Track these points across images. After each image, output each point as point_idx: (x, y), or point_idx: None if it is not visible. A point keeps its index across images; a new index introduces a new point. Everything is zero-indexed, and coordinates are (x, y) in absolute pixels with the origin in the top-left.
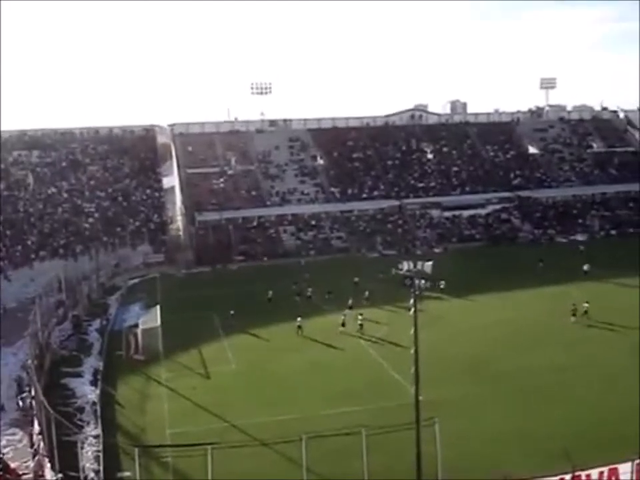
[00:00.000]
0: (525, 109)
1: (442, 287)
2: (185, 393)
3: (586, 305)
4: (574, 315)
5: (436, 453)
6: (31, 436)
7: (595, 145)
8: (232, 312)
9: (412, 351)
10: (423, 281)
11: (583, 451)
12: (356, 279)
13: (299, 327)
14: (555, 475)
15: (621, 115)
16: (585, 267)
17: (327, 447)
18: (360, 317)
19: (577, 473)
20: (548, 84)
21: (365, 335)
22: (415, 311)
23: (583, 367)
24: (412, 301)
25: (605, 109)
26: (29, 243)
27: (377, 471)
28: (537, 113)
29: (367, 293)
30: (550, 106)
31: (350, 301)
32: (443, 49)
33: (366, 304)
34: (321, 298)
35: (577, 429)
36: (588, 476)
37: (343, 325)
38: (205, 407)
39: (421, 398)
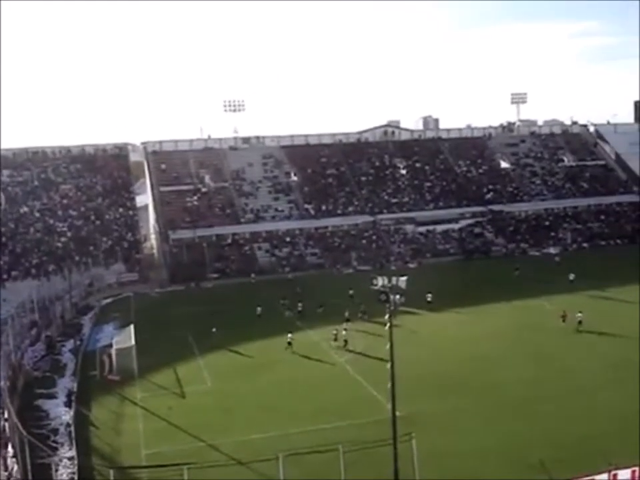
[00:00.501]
0: (496, 124)
1: (429, 300)
2: (161, 412)
3: (580, 314)
4: (563, 320)
5: (413, 469)
6: (4, 459)
7: (565, 159)
8: (214, 329)
9: (388, 366)
10: (398, 296)
11: (561, 464)
12: (351, 292)
13: (289, 342)
14: None
15: (591, 129)
16: (571, 277)
17: (305, 464)
18: (344, 332)
19: None
20: (519, 99)
21: (348, 349)
22: (390, 326)
23: (559, 380)
24: (387, 316)
25: (575, 123)
26: (1, 262)
27: None
28: (508, 127)
29: (362, 306)
30: (521, 121)
31: (346, 314)
32: (415, 66)
33: (363, 317)
34: (312, 312)
35: (554, 441)
36: None
37: (336, 339)
38: (180, 427)
39: (398, 413)
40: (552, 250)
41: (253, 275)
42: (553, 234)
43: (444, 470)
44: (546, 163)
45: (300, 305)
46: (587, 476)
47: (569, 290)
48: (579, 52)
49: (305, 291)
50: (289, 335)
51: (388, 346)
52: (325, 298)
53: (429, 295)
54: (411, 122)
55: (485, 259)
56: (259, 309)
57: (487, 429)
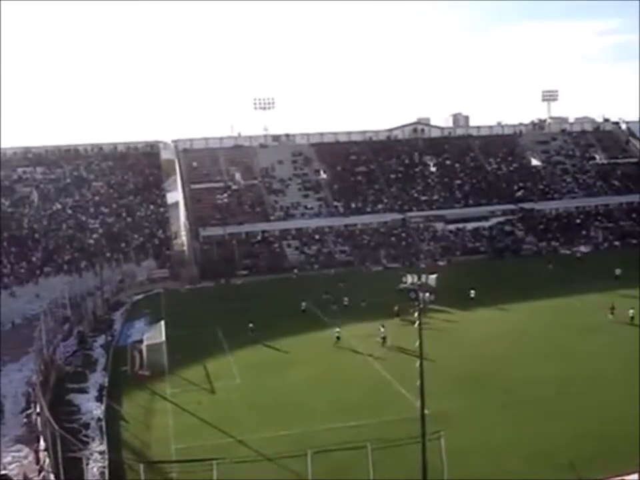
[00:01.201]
0: (527, 121)
1: (472, 296)
2: (190, 408)
3: (632, 310)
4: (612, 313)
5: (442, 467)
6: (36, 452)
7: (597, 157)
8: (251, 324)
9: (417, 365)
10: (427, 294)
11: (589, 463)
12: (402, 286)
13: (338, 337)
14: None
15: (623, 127)
16: (617, 272)
17: (333, 461)
18: (382, 329)
19: None
20: (550, 96)
21: (386, 346)
22: (419, 324)
23: (589, 379)
24: (416, 313)
25: (607, 120)
26: (34, 259)
27: None
28: (539, 125)
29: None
30: (552, 118)
31: (396, 308)
32: (445, 63)
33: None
34: (357, 307)
35: (583, 441)
36: None
37: (384, 339)
38: (210, 422)
39: (426, 411)
40: (582, 248)
41: (295, 271)
42: (584, 232)
43: (472, 468)
44: (577, 160)
45: (346, 299)
46: (617, 476)
47: (600, 289)
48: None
49: (343, 286)
50: (337, 330)
51: (416, 344)
52: (365, 294)
53: (472, 292)
54: (441, 119)
55: (515, 257)
56: (303, 303)
57: (516, 428)
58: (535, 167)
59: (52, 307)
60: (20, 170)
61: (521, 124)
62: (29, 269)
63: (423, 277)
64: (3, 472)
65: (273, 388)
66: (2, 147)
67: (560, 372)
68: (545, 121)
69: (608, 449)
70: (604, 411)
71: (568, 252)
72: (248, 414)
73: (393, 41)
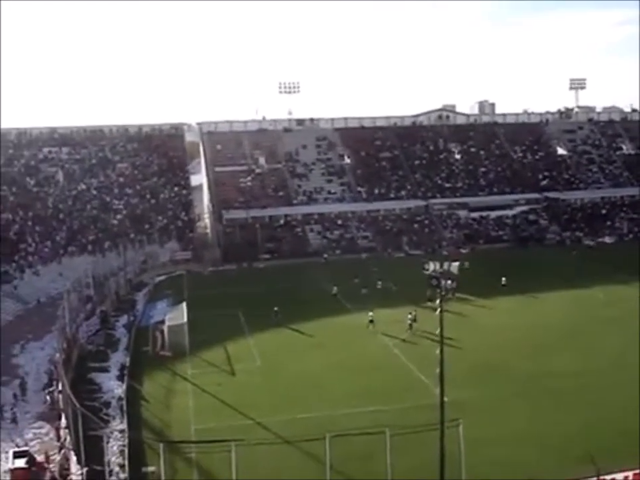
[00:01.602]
0: (554, 109)
1: (504, 283)
2: (210, 389)
3: None
4: None
5: (460, 454)
6: (57, 429)
7: (624, 147)
8: (276, 308)
9: (437, 352)
10: (449, 282)
11: (607, 456)
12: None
13: (371, 320)
14: (580, 479)
15: None
16: None
17: (351, 446)
18: (409, 315)
19: (601, 477)
20: (577, 85)
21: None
22: (440, 312)
23: (610, 371)
24: (438, 301)
25: (634, 110)
26: (58, 238)
27: (401, 470)
28: (566, 114)
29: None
30: (579, 107)
31: (428, 293)
32: (472, 50)
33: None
34: (388, 291)
35: (602, 433)
36: None
37: (415, 320)
38: (229, 404)
39: (445, 399)
40: (607, 239)
41: (325, 255)
42: (608, 223)
43: (490, 457)
44: (604, 150)
45: (379, 283)
46: (635, 469)
47: (624, 281)
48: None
49: (376, 271)
50: (370, 314)
51: (436, 331)
52: (395, 278)
53: (503, 279)
54: (467, 106)
55: (538, 246)
56: (335, 288)
57: (535, 418)
58: (560, 156)
59: (75, 286)
60: (46, 150)
61: (547, 112)
62: (53, 248)
63: (445, 265)
64: (24, 448)
65: (293, 371)
66: (29, 126)
67: (580, 363)
68: (572, 109)
69: (627, 441)
70: (623, 403)
71: (592, 243)
72: (267, 396)
73: (421, 26)
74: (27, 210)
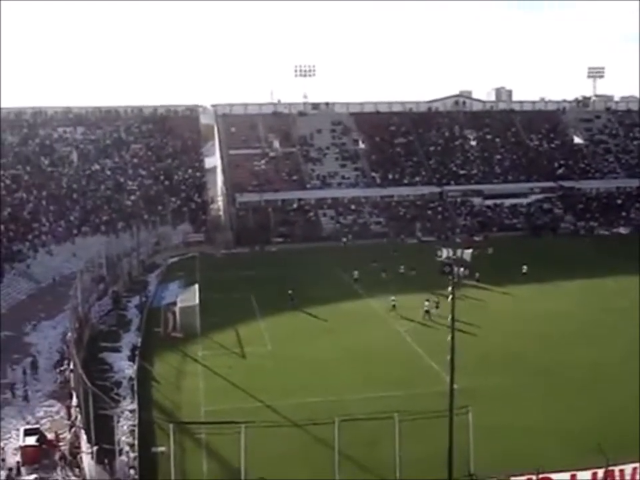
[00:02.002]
0: (571, 98)
1: (525, 271)
2: (221, 371)
3: None
4: None
5: (468, 442)
6: (68, 408)
7: None
8: (290, 292)
9: (448, 339)
10: (462, 269)
11: (619, 447)
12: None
13: (393, 305)
14: (588, 469)
15: None
16: None
17: (360, 430)
18: (427, 303)
19: (610, 468)
20: (596, 73)
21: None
22: (452, 299)
23: (622, 362)
24: (450, 288)
25: None
26: (72, 218)
27: (409, 456)
28: (583, 102)
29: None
30: (597, 96)
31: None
32: (490, 36)
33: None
34: (408, 276)
35: (613, 425)
36: (621, 471)
37: (438, 306)
38: (239, 386)
39: (456, 386)
40: (622, 230)
41: (344, 239)
42: (624, 213)
43: (499, 445)
44: (621, 140)
45: (402, 267)
46: None
47: (637, 271)
48: None
49: (397, 255)
50: (392, 298)
51: (448, 318)
52: (413, 264)
53: (525, 267)
54: (483, 93)
55: (552, 235)
56: (355, 272)
57: (546, 408)
58: (577, 144)
59: (88, 266)
60: (60, 129)
61: (564, 100)
62: (67, 228)
63: (458, 252)
64: (35, 426)
65: (303, 355)
66: (44, 105)
67: (592, 354)
68: (589, 98)
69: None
70: (635, 394)
71: (607, 232)
72: (278, 380)
73: (439, 11)
74: (41, 189)
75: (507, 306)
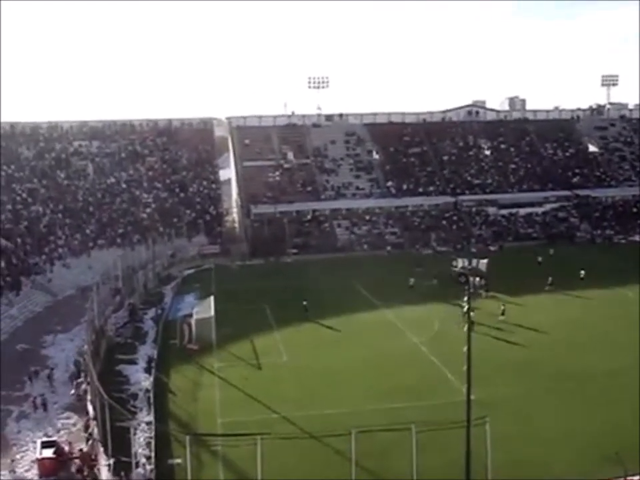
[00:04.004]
0: (585, 106)
1: (582, 276)
2: (237, 383)
3: None
4: None
5: (486, 452)
6: (85, 420)
7: None
8: (305, 302)
9: (464, 349)
10: (478, 279)
11: (635, 456)
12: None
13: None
14: (607, 479)
15: None
16: None
17: (377, 441)
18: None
19: (629, 478)
20: (609, 81)
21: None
22: (468, 309)
23: (635, 371)
24: (465, 298)
25: None
26: (88, 231)
27: (426, 468)
28: (597, 110)
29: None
30: (611, 104)
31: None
32: (503, 45)
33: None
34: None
35: (631, 433)
36: None
37: (503, 314)
38: (255, 398)
39: (472, 397)
40: (638, 238)
41: (388, 248)
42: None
43: (516, 455)
44: (636, 147)
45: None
46: None
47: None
48: None
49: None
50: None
51: (469, 328)
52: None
53: (582, 272)
54: (497, 102)
55: (568, 244)
56: (411, 280)
57: (563, 417)
58: (592, 153)
59: (104, 278)
60: (76, 143)
61: (578, 109)
62: (83, 241)
63: (474, 262)
64: (52, 438)
65: (319, 366)
66: (60, 120)
67: (607, 363)
68: (603, 106)
69: None
70: None
71: (623, 241)
72: (293, 391)
73: (452, 22)
74: (58, 203)
75: (520, 315)
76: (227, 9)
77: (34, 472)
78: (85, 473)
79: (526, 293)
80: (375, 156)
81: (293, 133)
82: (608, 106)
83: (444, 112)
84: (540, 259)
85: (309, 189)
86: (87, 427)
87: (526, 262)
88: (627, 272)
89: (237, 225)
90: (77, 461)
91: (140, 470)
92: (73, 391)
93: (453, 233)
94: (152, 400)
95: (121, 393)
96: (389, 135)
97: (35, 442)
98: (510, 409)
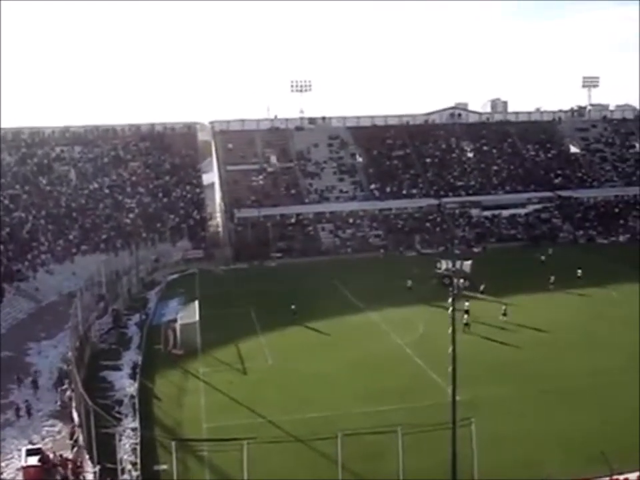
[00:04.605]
0: (566, 108)
1: (579, 275)
2: (222, 387)
3: None
4: None
5: (472, 454)
6: (70, 427)
7: (637, 145)
8: (293, 306)
9: (449, 351)
10: (462, 280)
11: (621, 455)
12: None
13: (467, 311)
14: (593, 478)
15: None
16: None
17: (363, 445)
18: (466, 317)
19: (614, 477)
20: (590, 82)
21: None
22: (452, 310)
23: (621, 371)
24: (450, 299)
25: None
26: (71, 237)
27: (413, 470)
28: (578, 112)
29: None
30: (592, 105)
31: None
32: (484, 48)
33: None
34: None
35: (616, 433)
36: None
37: (505, 314)
38: (241, 402)
39: (458, 398)
40: (620, 238)
41: (382, 251)
42: (622, 222)
43: (502, 455)
44: (617, 148)
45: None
46: None
47: (637, 280)
48: None
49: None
50: (466, 304)
51: (448, 330)
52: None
53: (579, 271)
54: (479, 104)
55: (551, 245)
56: (409, 281)
57: (549, 417)
58: (573, 154)
59: (88, 284)
60: (58, 149)
61: (560, 110)
62: (66, 247)
63: (458, 264)
64: (37, 446)
65: (304, 370)
66: (41, 125)
67: (593, 363)
68: (584, 107)
69: None
70: (638, 404)
71: (605, 241)
72: (279, 395)
73: (433, 24)
74: (40, 209)
75: (509, 316)
76: (209, 12)
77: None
78: None
79: (527, 292)
80: (358, 159)
81: (276, 136)
82: (589, 107)
83: (427, 114)
84: (543, 257)
85: (293, 192)
86: (72, 434)
87: (516, 262)
88: (609, 272)
89: (220, 229)
90: (62, 468)
91: (126, 476)
92: (57, 398)
93: (437, 235)
94: (137, 406)
95: (106, 399)
96: (372, 137)
97: (19, 450)
98: (496, 409)
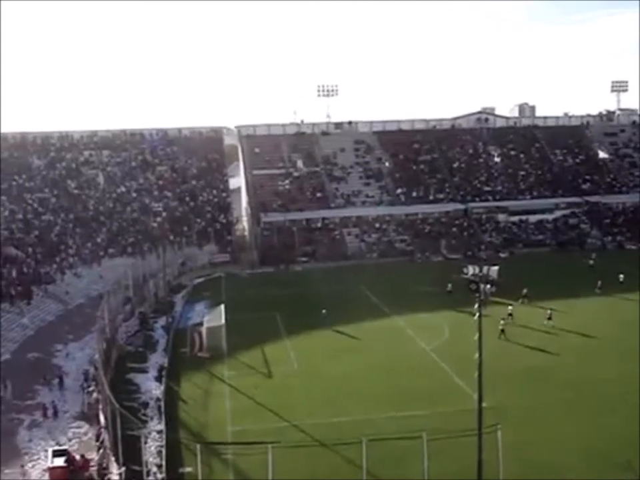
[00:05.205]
0: (595, 112)
1: (622, 280)
2: (247, 391)
3: None
4: None
5: (497, 460)
6: (96, 429)
7: None
8: (324, 311)
9: (475, 357)
10: (488, 286)
11: None
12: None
13: (510, 314)
14: None
15: None
16: None
17: (387, 450)
18: (502, 321)
19: None
20: (619, 87)
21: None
22: (479, 316)
23: None
24: (476, 305)
25: None
26: (99, 240)
27: (437, 476)
28: (607, 116)
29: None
30: (621, 110)
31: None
32: (512, 52)
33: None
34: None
35: None
36: None
37: (550, 318)
38: (266, 406)
39: (484, 404)
40: None
41: (419, 255)
42: None
43: (528, 463)
44: None
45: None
46: None
47: None
48: None
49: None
50: (510, 307)
51: (475, 336)
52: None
53: (621, 276)
54: (506, 109)
55: (579, 251)
56: (449, 285)
57: (575, 424)
58: (602, 159)
59: (115, 287)
60: (87, 153)
61: (588, 115)
62: (94, 250)
63: (485, 269)
64: (64, 447)
65: (330, 374)
66: (70, 129)
67: (623, 370)
68: (613, 112)
69: None
70: None
71: (634, 247)
72: (304, 399)
73: (461, 29)
74: (68, 212)
75: (531, 322)
76: (236, 17)
77: None
78: None
79: (573, 297)
80: (385, 163)
81: (302, 141)
82: (618, 112)
83: (453, 119)
84: (591, 262)
85: (319, 196)
86: (98, 436)
87: (555, 266)
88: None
89: (246, 233)
90: (88, 469)
91: (151, 478)
92: (84, 400)
93: (463, 240)
94: (163, 408)
95: (132, 401)
96: (399, 142)
97: (46, 451)
98: (522, 416)
